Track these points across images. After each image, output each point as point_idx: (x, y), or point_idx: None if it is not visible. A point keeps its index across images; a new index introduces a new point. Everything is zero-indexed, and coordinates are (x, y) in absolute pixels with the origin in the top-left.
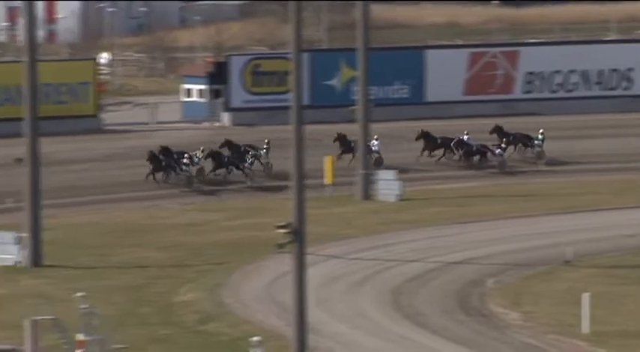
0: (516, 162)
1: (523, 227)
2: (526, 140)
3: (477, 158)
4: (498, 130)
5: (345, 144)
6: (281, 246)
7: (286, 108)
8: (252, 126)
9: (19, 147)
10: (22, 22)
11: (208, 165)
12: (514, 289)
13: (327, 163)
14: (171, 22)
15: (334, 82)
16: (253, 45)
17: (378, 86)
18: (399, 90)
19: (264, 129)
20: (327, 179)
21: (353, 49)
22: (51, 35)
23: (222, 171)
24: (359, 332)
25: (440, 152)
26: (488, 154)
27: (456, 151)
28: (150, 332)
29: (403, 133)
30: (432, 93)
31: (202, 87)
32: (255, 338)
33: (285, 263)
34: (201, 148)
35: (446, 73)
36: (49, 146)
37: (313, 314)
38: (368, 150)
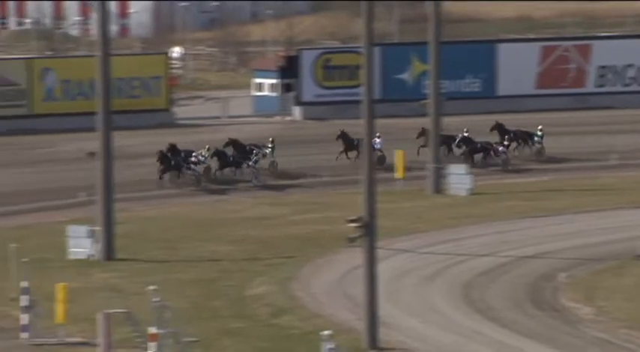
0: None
1: (594, 221)
2: (526, 137)
3: (479, 156)
4: (499, 127)
5: (348, 142)
6: (352, 239)
7: (357, 102)
8: (323, 120)
9: (92, 142)
10: (95, 16)
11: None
12: (586, 283)
13: (398, 157)
14: (243, 17)
15: (405, 75)
16: (324, 39)
17: (449, 80)
18: (471, 84)
19: (335, 123)
20: (398, 173)
21: (424, 43)
22: (124, 29)
23: (228, 170)
24: (430, 327)
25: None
26: (491, 152)
27: (456, 148)
28: (221, 325)
29: (475, 127)
30: (504, 87)
31: (274, 81)
32: (326, 332)
33: (355, 257)
34: (207, 146)
35: (518, 67)
36: (121, 140)
37: (384, 308)
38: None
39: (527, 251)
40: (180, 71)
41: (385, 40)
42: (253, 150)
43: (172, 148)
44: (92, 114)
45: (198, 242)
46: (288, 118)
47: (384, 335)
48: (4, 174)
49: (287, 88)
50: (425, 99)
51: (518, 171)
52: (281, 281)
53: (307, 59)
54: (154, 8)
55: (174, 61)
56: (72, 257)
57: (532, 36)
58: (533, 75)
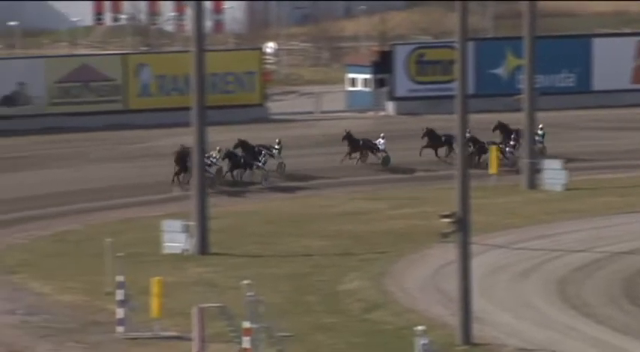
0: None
1: None
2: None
3: (487, 156)
4: (501, 127)
5: (353, 143)
6: (445, 235)
7: (451, 97)
8: (417, 115)
9: (186, 137)
10: (189, 12)
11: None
12: None
13: (492, 153)
14: (337, 13)
15: (500, 70)
16: (418, 34)
17: (544, 75)
18: (566, 79)
19: (428, 118)
20: (492, 168)
21: (519, 38)
22: (218, 25)
23: (239, 171)
24: (524, 322)
25: (442, 150)
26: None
27: (450, 149)
28: (315, 320)
29: (570, 122)
30: (599, 82)
31: (367, 76)
32: (419, 327)
33: (449, 252)
34: (218, 148)
35: (613, 62)
36: (215, 135)
37: (477, 304)
38: (375, 148)
39: (623, 247)
40: (273, 66)
41: (479, 35)
42: (262, 151)
43: (183, 150)
44: (186, 109)
45: (291, 237)
46: (381, 113)
47: (478, 331)
48: (100, 169)
49: (380, 83)
50: (519, 94)
51: (610, 168)
52: (374, 277)
53: (400, 54)
54: (248, 4)
55: (268, 57)
56: (166, 251)
57: (628, 31)
58: (628, 70)
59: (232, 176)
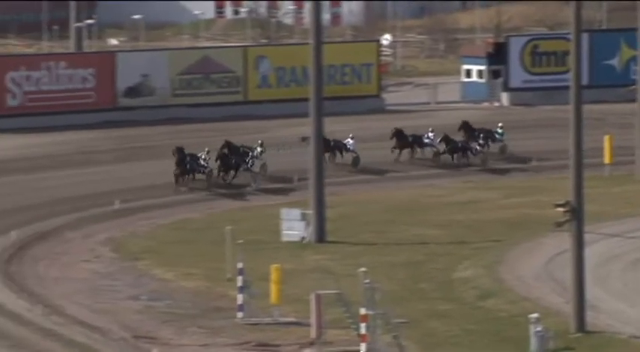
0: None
1: None
2: (490, 135)
3: (457, 155)
4: (466, 126)
5: (326, 145)
6: (559, 224)
7: (565, 87)
8: (531, 106)
9: (304, 127)
10: (308, 5)
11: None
12: None
13: (607, 142)
14: (453, 5)
15: (614, 61)
16: (532, 26)
17: None
18: None
19: (543, 109)
20: (606, 158)
21: (633, 29)
22: (335, 18)
23: (231, 172)
24: (639, 311)
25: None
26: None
27: (419, 149)
28: (430, 307)
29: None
30: None
31: (482, 67)
32: (534, 315)
33: (563, 241)
34: (206, 149)
35: None
36: (332, 125)
37: (591, 292)
38: (344, 148)
39: None
40: (389, 58)
41: (594, 26)
42: (248, 152)
43: (180, 150)
44: (304, 100)
45: (406, 225)
46: (496, 104)
47: (592, 319)
48: None
49: (495, 74)
50: (632, 85)
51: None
52: (488, 265)
53: (515, 46)
54: None
55: (384, 49)
56: (285, 239)
57: None
58: None
59: (224, 178)
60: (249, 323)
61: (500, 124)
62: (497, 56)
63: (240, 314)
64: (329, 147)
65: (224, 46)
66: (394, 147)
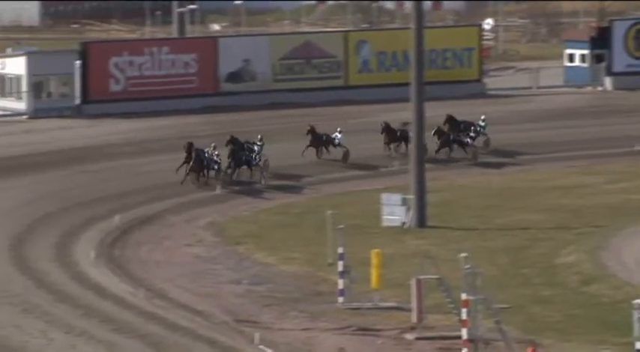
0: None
1: None
2: (475, 127)
3: (446, 149)
4: (451, 120)
5: (316, 139)
6: None
7: None
8: (634, 90)
9: (406, 112)
10: None
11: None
12: None
13: None
14: None
15: None
16: (636, 10)
17: None
18: None
19: None
20: None
21: None
22: (436, 3)
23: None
24: None
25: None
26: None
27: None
28: (532, 292)
29: None
30: None
31: (585, 52)
32: (637, 301)
33: None
34: (213, 144)
35: None
36: (433, 110)
37: None
38: (332, 143)
39: None
40: (491, 43)
41: None
42: (252, 148)
43: (190, 145)
44: (405, 85)
45: (507, 210)
46: (599, 89)
47: None
48: None
49: (598, 58)
50: None
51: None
52: (591, 250)
53: (619, 30)
54: None
55: (485, 33)
56: (385, 224)
57: None
58: None
59: (232, 175)
60: (350, 308)
61: (482, 117)
62: (600, 40)
63: (340, 299)
64: (321, 141)
65: (325, 31)
66: (385, 143)
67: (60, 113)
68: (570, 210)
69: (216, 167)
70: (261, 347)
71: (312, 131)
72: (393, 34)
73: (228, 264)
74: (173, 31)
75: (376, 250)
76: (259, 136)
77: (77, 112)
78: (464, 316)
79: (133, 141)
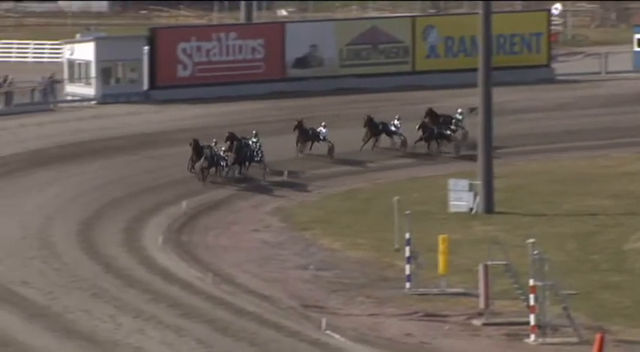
0: None
1: None
2: (450, 121)
3: (434, 143)
4: (431, 114)
5: (303, 134)
6: None
7: None
8: None
9: (473, 97)
10: None
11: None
12: None
13: None
14: None
15: None
16: None
17: None
18: None
19: None
20: None
21: None
22: None
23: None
24: None
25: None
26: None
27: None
28: (600, 278)
29: None
30: None
31: None
32: None
33: None
34: (214, 141)
35: None
36: (501, 96)
37: None
38: (316, 137)
39: None
40: (559, 28)
41: None
42: (248, 144)
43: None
44: (473, 70)
45: (576, 196)
46: None
47: None
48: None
49: None
50: None
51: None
52: None
53: None
54: None
55: (554, 18)
56: (452, 210)
57: None
58: None
59: (240, 171)
60: (417, 294)
61: (459, 110)
62: None
63: (407, 285)
64: (308, 136)
65: (392, 16)
66: (364, 139)
67: (128, 99)
68: (639, 195)
69: (223, 163)
70: (328, 332)
71: (299, 126)
72: (460, 19)
73: (295, 249)
74: (240, 16)
75: (443, 236)
76: (254, 131)
77: (145, 98)
78: (531, 302)
79: (200, 126)
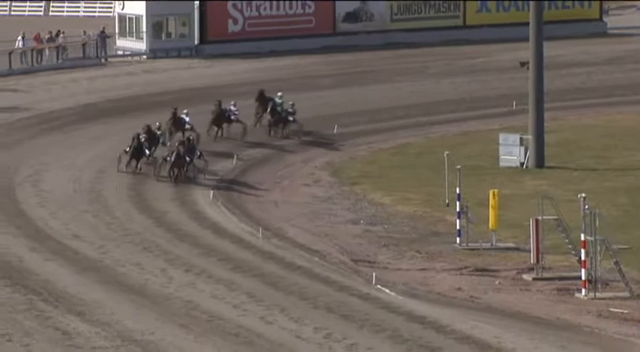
0: None
1: None
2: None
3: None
4: (260, 97)
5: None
6: None
7: None
8: None
9: (524, 51)
10: None
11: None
12: None
13: None
14: None
15: None
16: None
17: None
18: None
19: None
20: None
21: None
22: None
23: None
24: None
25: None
26: None
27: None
28: None
29: None
30: None
31: None
32: None
33: None
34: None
35: None
36: (553, 50)
37: None
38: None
39: None
40: None
41: None
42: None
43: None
44: (524, 24)
45: (629, 151)
46: None
47: None
48: (439, 84)
49: None
50: None
51: None
52: None
53: None
54: None
55: None
56: (503, 164)
57: None
58: None
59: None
60: (467, 249)
61: (279, 93)
62: None
63: (458, 240)
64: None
65: None
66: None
67: (178, 53)
68: None
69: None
70: (378, 287)
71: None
72: None
73: (345, 204)
74: None
75: (494, 190)
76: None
77: (195, 52)
78: (582, 257)
79: (250, 81)
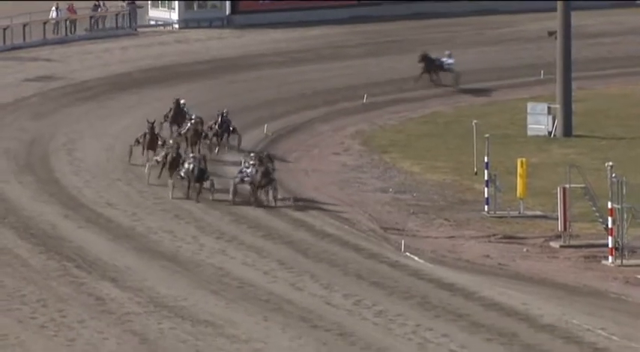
0: None
1: None
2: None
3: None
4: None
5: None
6: None
7: None
8: None
9: (552, 21)
10: None
11: None
12: None
13: None
14: None
15: None
16: None
17: None
18: None
19: None
20: None
21: None
22: None
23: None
24: None
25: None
26: None
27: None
28: None
29: None
30: None
31: None
32: None
33: None
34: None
35: None
36: (580, 19)
37: None
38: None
39: None
40: None
41: None
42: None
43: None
44: None
45: None
46: None
47: None
48: (470, 53)
49: None
50: None
51: None
52: None
53: None
54: None
55: None
56: (530, 133)
57: None
58: None
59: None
60: (495, 216)
61: (447, 52)
62: None
63: (486, 207)
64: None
65: None
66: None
67: (210, 23)
68: None
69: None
70: (407, 254)
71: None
72: None
73: (375, 172)
74: None
75: (522, 159)
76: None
77: (227, 23)
78: (609, 225)
79: (281, 51)
